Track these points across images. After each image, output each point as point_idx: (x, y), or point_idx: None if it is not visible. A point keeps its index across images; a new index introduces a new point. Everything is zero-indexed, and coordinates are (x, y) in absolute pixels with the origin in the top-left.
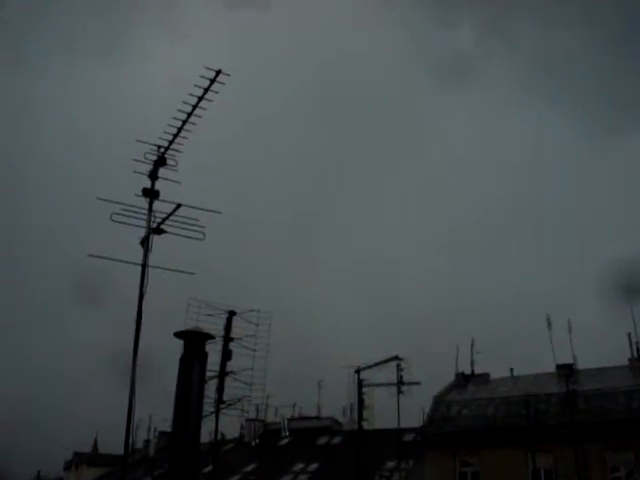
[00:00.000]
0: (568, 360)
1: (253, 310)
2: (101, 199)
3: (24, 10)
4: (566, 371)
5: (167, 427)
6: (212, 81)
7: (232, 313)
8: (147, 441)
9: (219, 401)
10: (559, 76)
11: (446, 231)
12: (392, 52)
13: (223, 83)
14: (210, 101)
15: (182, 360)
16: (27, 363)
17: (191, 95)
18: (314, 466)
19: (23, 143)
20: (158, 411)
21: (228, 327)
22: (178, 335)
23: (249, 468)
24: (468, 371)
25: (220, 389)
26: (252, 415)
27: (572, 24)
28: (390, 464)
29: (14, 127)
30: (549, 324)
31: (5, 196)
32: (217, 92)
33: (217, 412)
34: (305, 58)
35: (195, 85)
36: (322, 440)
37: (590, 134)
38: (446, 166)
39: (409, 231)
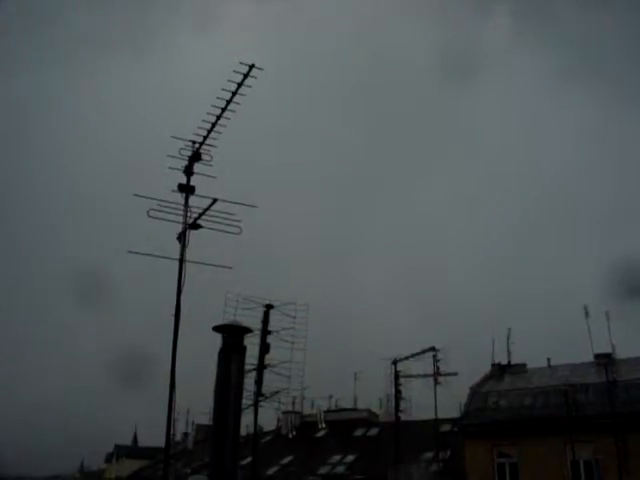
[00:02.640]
0: (606, 349)
1: (290, 303)
2: (138, 195)
3: (55, 9)
4: (605, 360)
5: (205, 420)
6: (245, 76)
7: (269, 306)
8: (186, 434)
9: (258, 394)
10: (598, 61)
11: (485, 225)
12: (426, 41)
13: (256, 77)
14: (244, 95)
15: (221, 354)
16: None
17: (224, 90)
18: (351, 457)
19: (57, 140)
20: (196, 404)
21: (266, 320)
22: (217, 329)
23: (286, 460)
24: (505, 361)
25: (259, 382)
26: (289, 407)
27: (613, 7)
28: (427, 455)
29: (49, 124)
30: (586, 313)
31: (43, 193)
32: (250, 86)
33: (256, 405)
34: (339, 50)
35: (228, 80)
36: (359, 432)
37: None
38: (483, 160)
39: (448, 224)
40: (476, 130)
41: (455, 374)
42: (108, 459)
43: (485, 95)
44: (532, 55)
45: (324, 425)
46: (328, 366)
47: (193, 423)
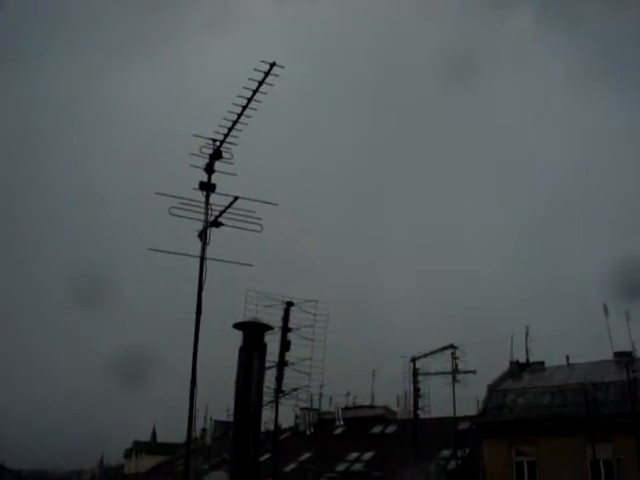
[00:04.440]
0: (626, 348)
1: (311, 300)
2: (159, 193)
3: (79, 12)
4: (625, 359)
5: (223, 416)
6: (266, 74)
7: (290, 304)
8: (204, 430)
9: (278, 390)
10: (624, 59)
11: (504, 224)
12: (445, 41)
13: (277, 75)
14: (265, 94)
15: (242, 351)
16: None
17: (246, 88)
18: (369, 455)
19: (80, 140)
20: (214, 401)
21: (286, 318)
22: (237, 326)
23: (304, 457)
24: (523, 360)
25: (279, 379)
26: (307, 404)
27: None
28: (445, 452)
29: (71, 125)
30: (606, 312)
31: (64, 192)
32: (272, 85)
33: (276, 401)
34: (359, 49)
35: (249, 78)
36: (376, 429)
37: None
38: (503, 159)
39: (467, 223)
40: (496, 130)
41: (474, 372)
42: (127, 455)
43: (505, 94)
44: (553, 53)
45: (342, 422)
46: (346, 363)
47: (211, 419)
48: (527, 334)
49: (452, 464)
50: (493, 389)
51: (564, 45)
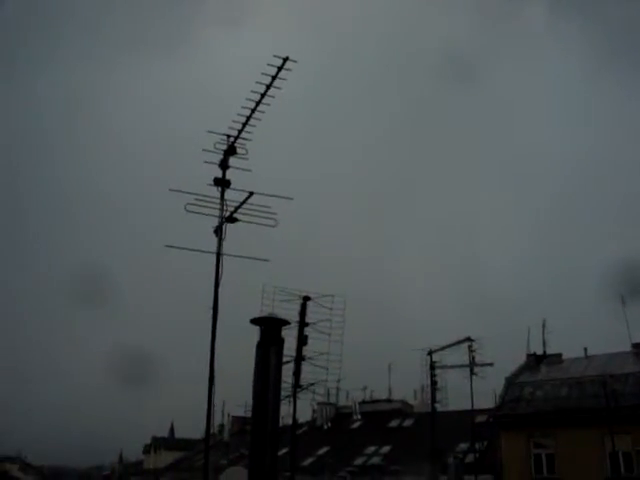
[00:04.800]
0: None
1: (327, 295)
2: (174, 190)
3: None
4: None
5: (240, 412)
6: (279, 68)
7: (307, 298)
8: (221, 426)
9: (296, 385)
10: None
11: (521, 216)
12: (460, 32)
13: (290, 70)
14: (278, 88)
15: (259, 346)
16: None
17: (259, 83)
18: (386, 448)
19: (94, 138)
20: (231, 397)
21: (303, 312)
22: (255, 321)
23: (322, 451)
24: (540, 352)
25: (297, 374)
26: (324, 399)
27: None
28: (463, 446)
29: (85, 123)
30: (623, 302)
31: (80, 190)
32: (285, 79)
33: (294, 396)
34: (375, 43)
35: (262, 73)
36: (394, 423)
37: None
38: (525, 149)
39: (484, 214)
40: (507, 121)
41: (491, 364)
42: (146, 450)
43: (519, 84)
44: (568, 44)
45: (359, 416)
46: (363, 358)
47: (229, 415)
48: (544, 326)
49: (470, 457)
50: (510, 382)
51: (577, 35)
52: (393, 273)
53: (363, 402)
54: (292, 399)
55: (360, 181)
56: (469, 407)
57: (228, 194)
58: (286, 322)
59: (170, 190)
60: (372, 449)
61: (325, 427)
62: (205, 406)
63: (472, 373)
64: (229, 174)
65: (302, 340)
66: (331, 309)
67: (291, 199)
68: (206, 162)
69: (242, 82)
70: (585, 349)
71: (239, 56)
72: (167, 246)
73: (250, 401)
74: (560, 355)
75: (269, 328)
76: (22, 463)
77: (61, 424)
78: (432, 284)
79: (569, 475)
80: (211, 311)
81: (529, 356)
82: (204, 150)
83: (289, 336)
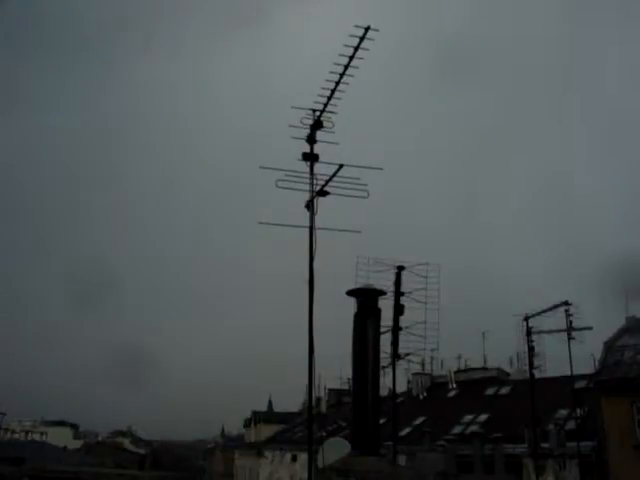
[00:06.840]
0: None
1: (422, 264)
2: (264, 167)
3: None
4: None
5: (337, 384)
6: (361, 39)
7: (401, 268)
8: (318, 398)
9: (394, 355)
10: None
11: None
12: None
13: (372, 39)
14: (361, 59)
15: (357, 317)
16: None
17: (341, 55)
18: (484, 417)
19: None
20: (327, 370)
21: (398, 282)
22: (351, 293)
23: (419, 421)
24: None
25: (395, 343)
26: (419, 369)
27: None
28: (563, 412)
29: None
30: None
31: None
32: (368, 49)
33: (394, 365)
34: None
35: (344, 45)
36: (490, 391)
37: None
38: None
39: (590, 172)
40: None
41: (590, 328)
42: (246, 424)
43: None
44: None
45: (454, 385)
46: (457, 326)
47: (325, 388)
48: None
49: (570, 424)
50: (610, 346)
51: None
52: (486, 240)
53: (458, 371)
54: (392, 369)
55: (453, 147)
56: (568, 373)
57: (317, 168)
58: (382, 292)
59: (260, 167)
60: (469, 418)
61: (421, 397)
62: (302, 381)
63: (570, 338)
64: (317, 148)
65: (399, 310)
66: (426, 277)
67: (381, 169)
68: (293, 137)
69: (325, 56)
70: None
71: (320, 30)
72: (260, 222)
73: (346, 374)
74: None
75: (366, 299)
76: (133, 437)
77: (168, 402)
78: (527, 248)
79: None
80: (307, 285)
81: (628, 319)
82: (290, 126)
83: (385, 306)
